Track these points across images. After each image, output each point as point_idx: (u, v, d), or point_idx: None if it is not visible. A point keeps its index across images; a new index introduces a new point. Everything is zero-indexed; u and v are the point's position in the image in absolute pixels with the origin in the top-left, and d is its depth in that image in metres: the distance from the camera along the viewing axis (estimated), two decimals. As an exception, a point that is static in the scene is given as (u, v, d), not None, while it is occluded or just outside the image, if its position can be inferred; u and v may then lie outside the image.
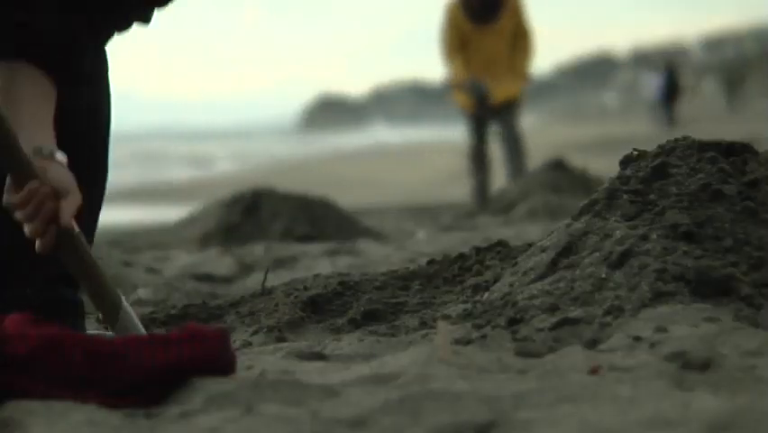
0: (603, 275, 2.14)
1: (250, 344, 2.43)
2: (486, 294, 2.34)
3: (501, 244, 2.76)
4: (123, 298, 2.19)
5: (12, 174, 2.04)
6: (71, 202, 2.05)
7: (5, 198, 2.05)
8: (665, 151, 2.36)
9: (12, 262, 2.31)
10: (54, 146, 2.10)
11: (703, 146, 2.35)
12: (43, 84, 2.16)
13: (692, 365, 1.74)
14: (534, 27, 9.04)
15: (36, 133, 2.10)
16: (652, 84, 33.71)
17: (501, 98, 8.84)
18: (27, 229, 2.03)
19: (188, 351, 1.71)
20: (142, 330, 2.20)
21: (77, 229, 2.08)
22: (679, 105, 30.08)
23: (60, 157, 2.09)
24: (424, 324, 2.35)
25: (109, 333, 2.21)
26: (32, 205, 2.01)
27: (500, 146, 9.11)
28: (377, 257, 4.29)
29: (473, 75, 8.96)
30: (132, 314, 2.21)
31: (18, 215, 2.03)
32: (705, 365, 1.74)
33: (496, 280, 2.41)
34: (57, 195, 2.03)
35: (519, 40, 8.88)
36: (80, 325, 2.39)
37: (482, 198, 8.68)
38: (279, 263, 4.37)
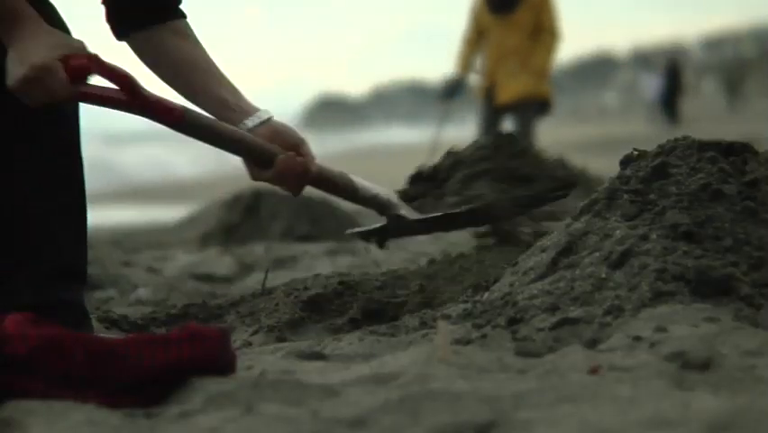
0: (603, 275, 2.14)
1: (250, 343, 2.43)
2: (486, 294, 2.34)
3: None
4: (353, 178, 2.52)
5: (254, 161, 2.28)
6: (307, 150, 2.31)
7: (255, 175, 2.30)
8: (665, 150, 2.36)
9: (2, 259, 2.29)
10: (262, 110, 2.31)
11: (703, 146, 2.35)
12: (192, 33, 2.38)
13: (692, 365, 1.74)
14: (562, 28, 8.80)
15: (239, 100, 2.32)
16: (650, 84, 33.70)
17: (509, 97, 8.69)
18: (289, 189, 2.32)
19: (188, 351, 1.71)
20: (375, 189, 2.54)
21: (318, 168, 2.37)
22: (681, 104, 30.07)
23: (267, 114, 2.31)
24: (424, 324, 2.35)
25: (113, 336, 2.21)
26: (287, 179, 2.28)
27: None
28: (377, 257, 4.29)
29: (463, 70, 8.94)
30: (362, 182, 2.53)
31: (276, 185, 2.30)
32: (705, 365, 1.74)
33: (496, 280, 2.41)
34: (291, 149, 2.28)
35: (540, 36, 8.69)
36: (86, 326, 2.37)
37: None
38: (279, 263, 4.37)
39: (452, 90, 9.21)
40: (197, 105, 2.31)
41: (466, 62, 8.98)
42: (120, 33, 2.40)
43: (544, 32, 8.71)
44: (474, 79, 9.20)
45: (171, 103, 2.22)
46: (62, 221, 2.29)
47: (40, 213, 2.28)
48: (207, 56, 2.37)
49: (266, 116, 2.32)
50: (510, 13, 8.69)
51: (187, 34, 2.38)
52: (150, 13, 2.35)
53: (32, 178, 2.27)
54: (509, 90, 8.71)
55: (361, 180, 2.55)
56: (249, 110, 2.34)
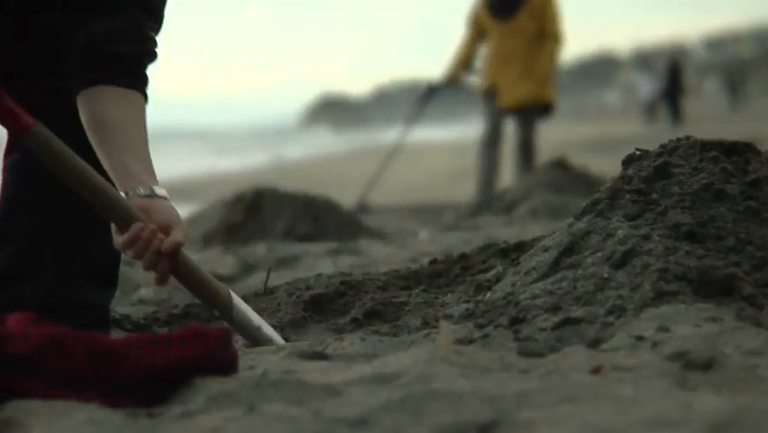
0: (605, 275, 2.14)
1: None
2: (488, 294, 2.34)
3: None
4: (232, 295, 2.33)
5: (114, 221, 2.13)
6: (176, 235, 2.14)
7: (114, 240, 2.14)
8: (668, 150, 2.36)
9: (25, 257, 2.30)
10: (152, 182, 2.18)
11: (705, 146, 2.35)
12: (135, 102, 2.26)
13: (694, 365, 1.74)
14: (564, 32, 8.78)
15: (142, 171, 2.19)
16: (645, 85, 33.69)
17: (512, 103, 8.69)
18: (142, 264, 2.14)
19: (190, 350, 1.71)
20: (256, 319, 2.34)
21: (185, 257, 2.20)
22: (683, 104, 30.09)
23: (160, 192, 2.18)
24: (426, 323, 2.35)
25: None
26: (136, 246, 2.10)
27: (512, 148, 9.01)
28: (379, 257, 4.29)
29: (454, 74, 8.93)
30: (244, 307, 2.34)
31: (128, 254, 2.13)
32: (707, 365, 1.74)
33: (498, 280, 2.41)
34: (162, 230, 2.13)
35: (543, 42, 8.68)
36: (103, 329, 2.36)
37: (486, 194, 8.56)
38: (282, 263, 4.37)
39: (430, 96, 9.23)
40: (105, 167, 2.21)
41: (462, 64, 8.95)
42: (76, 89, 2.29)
43: (547, 37, 8.69)
44: (474, 80, 9.20)
45: (24, 113, 2.09)
46: (92, 220, 2.27)
47: (69, 210, 2.28)
48: (135, 123, 2.25)
49: (156, 192, 2.19)
50: (511, 18, 8.67)
51: (130, 102, 2.27)
52: (108, 70, 2.26)
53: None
54: (513, 96, 8.70)
55: (243, 304, 2.35)
56: (146, 181, 2.20)
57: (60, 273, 2.30)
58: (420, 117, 9.69)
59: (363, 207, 8.78)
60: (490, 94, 8.81)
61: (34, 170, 2.25)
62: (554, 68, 8.89)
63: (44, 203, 2.30)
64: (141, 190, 2.17)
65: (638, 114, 34.58)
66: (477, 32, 8.89)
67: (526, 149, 8.83)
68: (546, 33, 8.70)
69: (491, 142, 8.85)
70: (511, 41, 8.67)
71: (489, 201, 7.83)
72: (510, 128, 9.04)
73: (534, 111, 8.83)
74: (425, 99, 9.32)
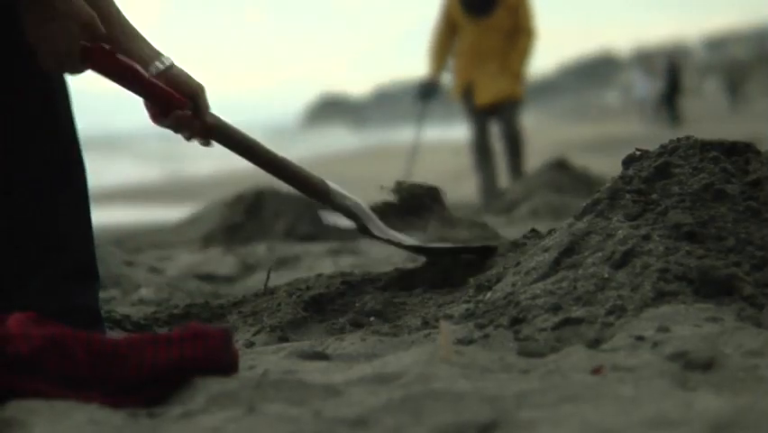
0: (606, 275, 2.14)
1: (252, 343, 2.43)
2: (488, 294, 2.34)
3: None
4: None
5: (157, 105, 2.41)
6: (203, 98, 2.47)
7: (157, 122, 2.44)
8: (668, 150, 2.36)
9: (9, 258, 2.29)
10: (162, 55, 2.43)
11: (706, 146, 2.35)
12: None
13: (695, 365, 1.74)
14: (538, 27, 8.73)
15: (143, 49, 2.41)
16: (643, 84, 33.68)
17: (488, 99, 8.56)
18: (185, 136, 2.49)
19: (191, 350, 1.71)
20: (352, 198, 2.69)
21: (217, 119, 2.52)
22: (680, 104, 30.10)
23: (168, 61, 2.44)
24: (426, 323, 2.35)
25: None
26: (183, 127, 2.44)
27: (500, 145, 8.89)
28: (379, 257, 4.28)
29: (436, 69, 8.77)
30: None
31: (175, 131, 2.46)
32: (707, 365, 1.74)
33: (498, 280, 2.41)
34: (192, 98, 2.43)
35: (518, 38, 8.57)
36: (99, 329, 2.36)
37: (490, 193, 8.45)
38: (282, 263, 4.37)
39: (426, 92, 9.04)
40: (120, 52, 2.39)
41: (439, 60, 8.77)
42: None
43: (521, 32, 8.58)
44: (448, 79, 8.99)
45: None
46: (69, 219, 2.29)
47: (46, 213, 2.28)
48: (117, 10, 2.42)
49: (168, 63, 2.43)
50: (488, 15, 8.54)
51: None
52: None
53: (34, 178, 2.27)
54: (489, 92, 8.57)
55: (333, 185, 2.65)
56: (156, 57, 2.43)
57: (46, 279, 2.28)
58: (427, 115, 9.59)
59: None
60: (468, 93, 8.66)
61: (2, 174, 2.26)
62: (528, 64, 8.80)
63: (15, 206, 2.28)
64: (161, 66, 2.42)
65: (636, 113, 34.57)
66: (449, 26, 8.69)
67: (514, 143, 8.71)
68: (520, 29, 8.58)
69: (481, 144, 8.74)
70: (487, 39, 8.51)
71: (494, 199, 7.81)
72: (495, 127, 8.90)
73: (512, 107, 8.72)
74: (424, 97, 9.18)
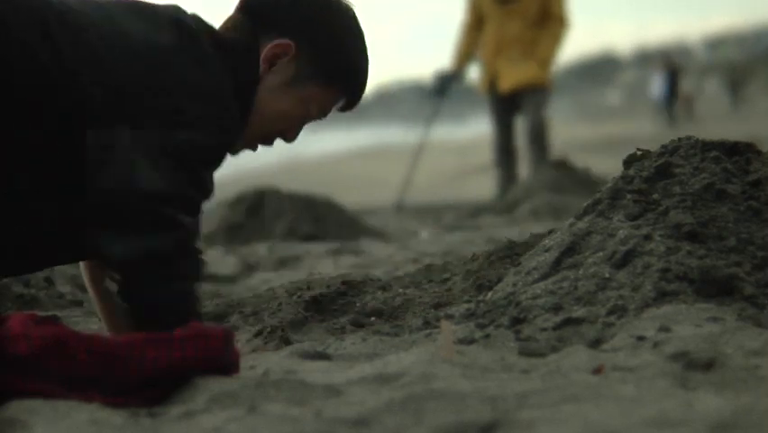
0: (606, 275, 2.14)
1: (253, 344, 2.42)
2: (489, 294, 2.34)
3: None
4: None
5: None
6: None
7: None
8: (669, 150, 2.36)
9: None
10: None
11: (707, 146, 2.35)
12: None
13: (696, 365, 1.74)
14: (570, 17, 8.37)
15: None
16: (656, 84, 33.68)
17: (510, 85, 8.29)
18: None
19: (192, 350, 1.71)
20: None
21: None
22: (678, 105, 30.17)
23: None
24: (427, 323, 2.35)
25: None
26: None
27: (523, 135, 8.51)
28: (380, 256, 4.29)
29: (461, 62, 8.61)
30: None
31: None
32: (708, 365, 1.74)
33: (499, 280, 2.41)
34: None
35: (547, 24, 8.32)
36: None
37: (506, 190, 8.17)
38: (283, 263, 4.38)
39: (444, 86, 8.86)
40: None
41: (465, 52, 8.61)
42: None
43: (552, 19, 8.35)
44: (474, 72, 8.83)
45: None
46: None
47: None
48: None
49: None
50: (514, 2, 8.31)
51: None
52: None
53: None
54: (511, 77, 8.32)
55: None
56: None
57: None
58: (440, 112, 9.46)
59: (400, 207, 8.84)
60: (493, 87, 8.45)
61: None
62: (557, 52, 8.46)
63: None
64: None
65: (650, 113, 34.42)
66: (476, 19, 8.53)
67: (538, 135, 8.35)
68: (551, 16, 8.35)
69: (503, 145, 8.47)
70: (511, 25, 8.30)
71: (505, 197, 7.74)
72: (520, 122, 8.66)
73: (538, 94, 8.37)
74: (440, 92, 8.97)
